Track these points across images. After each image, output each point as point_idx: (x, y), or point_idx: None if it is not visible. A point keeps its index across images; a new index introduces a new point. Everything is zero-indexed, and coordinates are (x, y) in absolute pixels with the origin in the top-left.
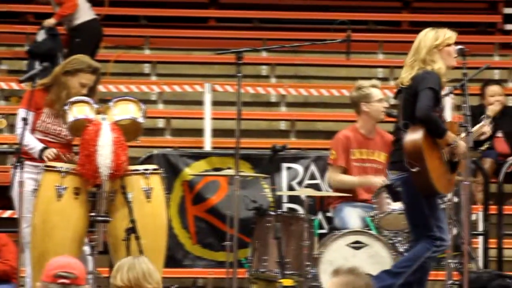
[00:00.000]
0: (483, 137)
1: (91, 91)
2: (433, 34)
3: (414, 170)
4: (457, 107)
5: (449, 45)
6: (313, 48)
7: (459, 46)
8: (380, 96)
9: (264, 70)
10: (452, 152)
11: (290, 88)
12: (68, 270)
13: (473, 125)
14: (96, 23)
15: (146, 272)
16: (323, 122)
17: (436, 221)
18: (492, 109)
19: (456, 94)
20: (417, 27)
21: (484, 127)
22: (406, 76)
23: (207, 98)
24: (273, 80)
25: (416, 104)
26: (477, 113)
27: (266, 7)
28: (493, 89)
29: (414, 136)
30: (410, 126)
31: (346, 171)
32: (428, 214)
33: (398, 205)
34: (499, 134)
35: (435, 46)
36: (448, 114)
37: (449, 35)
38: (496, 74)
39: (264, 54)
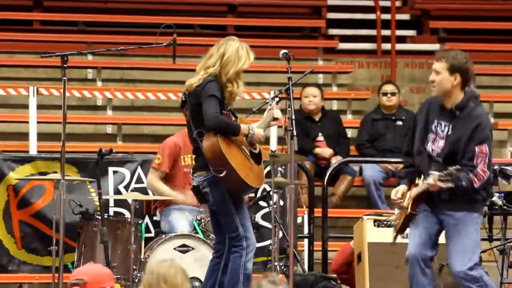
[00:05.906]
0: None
1: None
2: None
3: (222, 175)
4: (282, 111)
5: None
6: (139, 51)
7: (284, 51)
8: None
9: (90, 73)
10: (251, 143)
11: (117, 92)
12: (78, 277)
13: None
14: None
15: (161, 276)
16: (150, 126)
17: (241, 220)
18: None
19: (281, 98)
20: (242, 31)
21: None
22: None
23: (32, 102)
24: (99, 84)
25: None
26: (297, 117)
27: (91, 10)
28: (307, 90)
29: (210, 142)
30: (203, 133)
31: (168, 177)
32: (234, 213)
33: None
34: (320, 137)
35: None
36: None
37: None
38: (320, 78)
39: (90, 57)
